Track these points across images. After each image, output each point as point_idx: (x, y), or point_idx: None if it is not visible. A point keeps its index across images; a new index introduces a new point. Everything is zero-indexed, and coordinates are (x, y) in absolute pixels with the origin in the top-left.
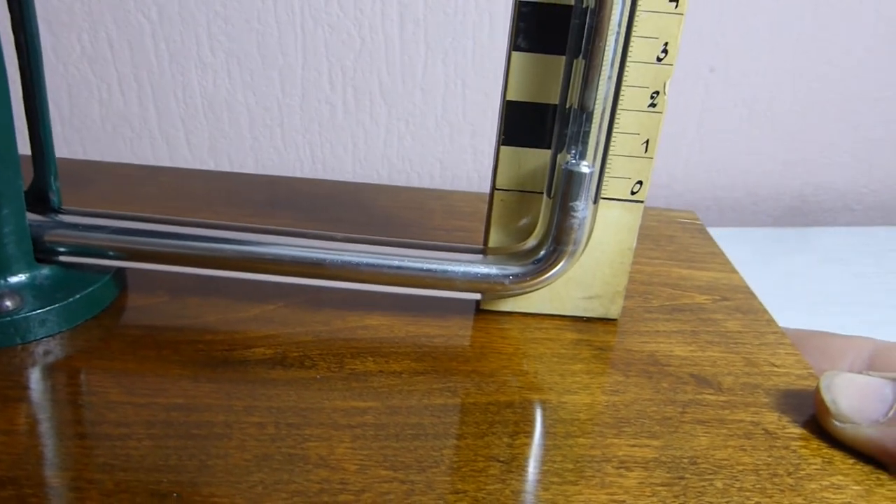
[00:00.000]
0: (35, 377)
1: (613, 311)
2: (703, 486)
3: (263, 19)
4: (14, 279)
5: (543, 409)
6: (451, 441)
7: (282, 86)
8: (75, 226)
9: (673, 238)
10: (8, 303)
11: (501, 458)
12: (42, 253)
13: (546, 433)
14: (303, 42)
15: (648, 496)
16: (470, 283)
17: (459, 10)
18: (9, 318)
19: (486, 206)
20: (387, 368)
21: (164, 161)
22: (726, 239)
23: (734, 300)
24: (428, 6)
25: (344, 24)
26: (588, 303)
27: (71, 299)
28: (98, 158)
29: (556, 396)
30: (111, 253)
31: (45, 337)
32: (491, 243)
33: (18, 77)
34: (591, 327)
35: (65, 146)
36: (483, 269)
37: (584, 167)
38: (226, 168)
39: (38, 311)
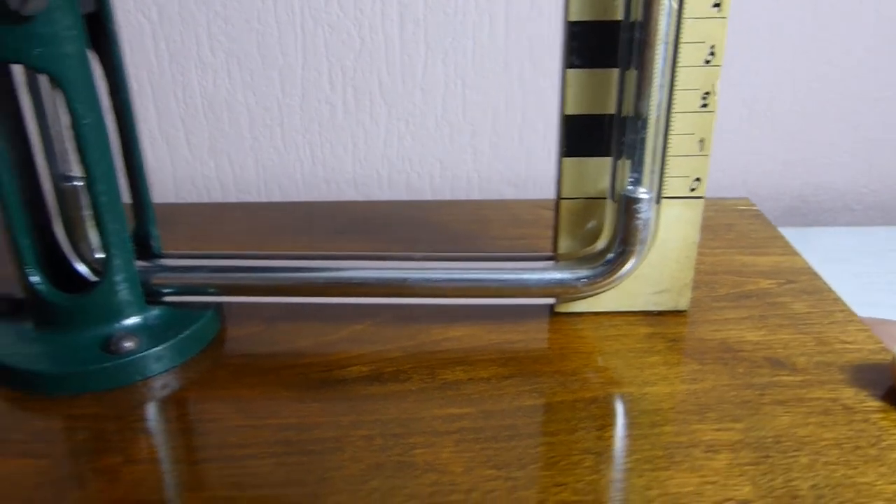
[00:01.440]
0: (158, 409)
1: (682, 303)
2: (789, 463)
3: (263, 19)
4: (129, 322)
5: (627, 402)
6: (545, 438)
7: (282, 86)
8: (178, 268)
9: (732, 226)
10: (128, 344)
11: (594, 451)
12: (150, 296)
13: (632, 424)
14: (303, 42)
15: (738, 476)
16: (545, 289)
17: (459, 10)
18: (130, 358)
19: (542, 213)
20: (476, 376)
21: (165, 161)
22: None
23: (798, 282)
24: (428, 6)
25: (344, 24)
26: (658, 297)
27: (181, 336)
28: None
29: (637, 389)
30: (211, 290)
31: (161, 373)
32: (560, 249)
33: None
34: (661, 320)
35: None
36: (557, 275)
37: (643, 193)
38: (226, 168)
39: (154, 349)
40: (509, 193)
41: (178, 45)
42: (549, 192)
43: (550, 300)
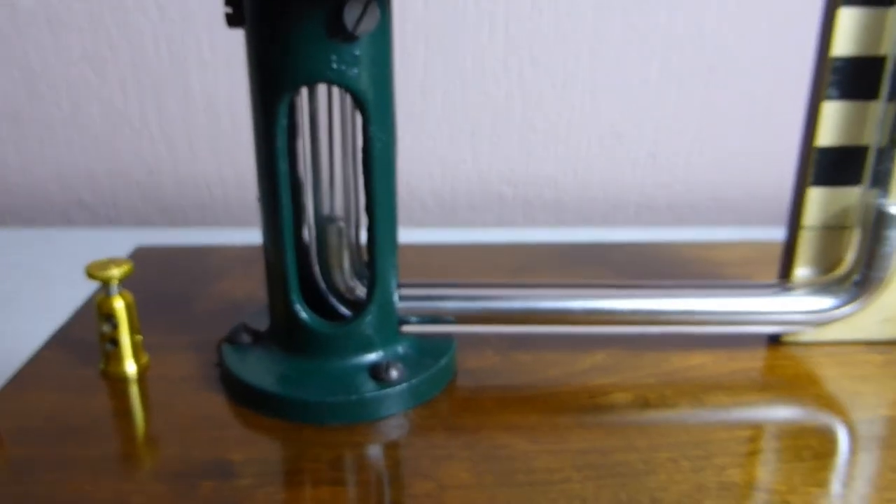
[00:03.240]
0: (442, 437)
1: None
2: None
3: None
4: (386, 351)
5: None
6: (846, 457)
7: None
8: (423, 297)
9: None
10: (394, 372)
11: None
12: (399, 325)
13: None
14: None
15: None
16: (793, 317)
17: (459, 10)
18: (399, 387)
19: (703, 253)
20: (740, 400)
21: (165, 161)
22: (724, 237)
23: None
24: (428, 6)
25: None
26: (883, 326)
27: (439, 365)
28: (98, 158)
29: None
30: (451, 319)
31: (425, 401)
32: (795, 278)
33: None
34: (891, 349)
35: (65, 146)
36: (805, 303)
37: (892, 223)
38: (226, 168)
39: (418, 378)
40: (509, 193)
41: (178, 45)
42: (549, 193)
43: (778, 329)
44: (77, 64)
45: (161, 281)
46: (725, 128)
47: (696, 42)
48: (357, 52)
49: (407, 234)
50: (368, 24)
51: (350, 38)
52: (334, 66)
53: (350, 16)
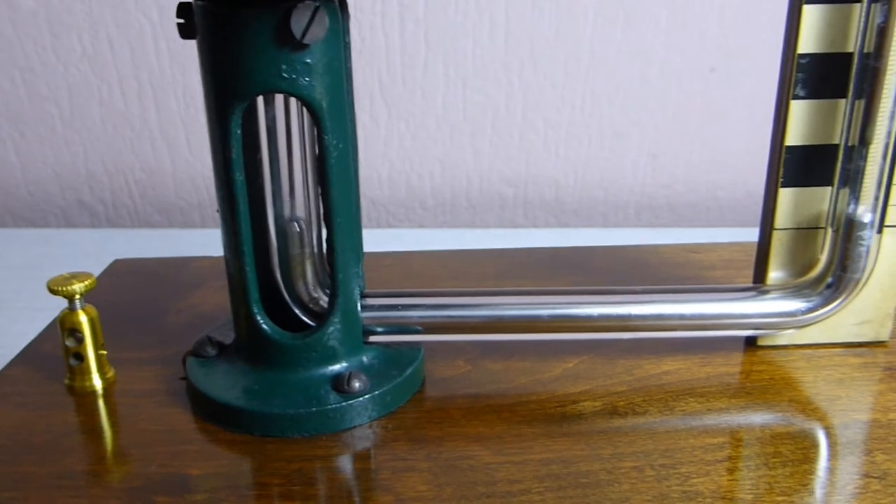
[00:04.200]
0: (405, 448)
1: (883, 334)
2: None
3: None
4: (350, 362)
5: (878, 427)
6: (817, 464)
7: None
8: (388, 307)
9: None
10: (357, 384)
11: (874, 475)
12: (364, 336)
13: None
14: None
15: None
16: (766, 320)
17: (459, 10)
18: (363, 398)
19: (691, 256)
20: (712, 406)
21: (165, 161)
22: (725, 238)
23: None
24: (428, 6)
25: None
26: (859, 328)
27: (405, 375)
28: (99, 158)
29: (882, 415)
30: (419, 328)
31: (390, 412)
32: (769, 281)
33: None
34: (867, 351)
35: (65, 146)
36: (778, 305)
37: (865, 214)
38: None
39: (383, 388)
40: (509, 193)
41: (178, 45)
42: (550, 192)
43: (752, 333)
44: (77, 64)
45: (133, 294)
46: (725, 128)
47: (696, 42)
48: (308, 61)
49: (407, 234)
50: (317, 32)
51: (299, 46)
52: (285, 75)
53: (297, 24)
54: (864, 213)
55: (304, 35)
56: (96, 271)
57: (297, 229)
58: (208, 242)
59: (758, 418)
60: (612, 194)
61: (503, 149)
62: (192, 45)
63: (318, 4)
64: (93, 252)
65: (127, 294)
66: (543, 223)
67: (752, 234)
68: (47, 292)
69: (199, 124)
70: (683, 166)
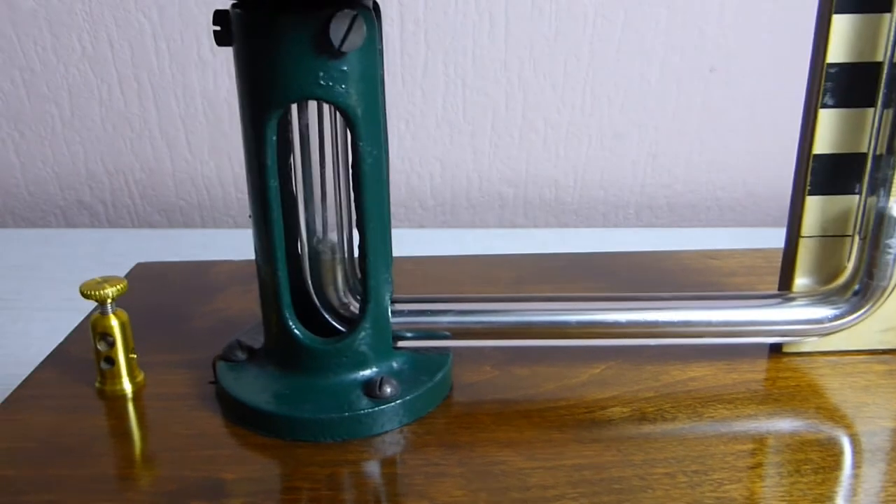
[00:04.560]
0: (436, 454)
1: None
2: None
3: None
4: (381, 367)
5: None
6: (848, 471)
7: None
8: (417, 312)
9: None
10: (389, 389)
11: None
12: (394, 341)
13: None
14: None
15: None
16: (792, 327)
17: (459, 10)
18: (393, 403)
19: (709, 262)
20: (741, 413)
21: (165, 161)
22: (726, 238)
23: None
24: (428, 6)
25: None
26: (884, 335)
27: (435, 380)
28: (99, 158)
29: None
30: (447, 334)
31: (420, 418)
32: (796, 288)
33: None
34: (893, 359)
35: (65, 146)
36: (805, 313)
37: (893, 222)
38: (226, 168)
39: (413, 394)
40: (509, 193)
41: (178, 45)
42: (550, 192)
43: (778, 340)
44: (77, 64)
45: (158, 297)
46: (725, 128)
47: (696, 42)
48: (345, 68)
49: (407, 235)
50: (355, 40)
51: (337, 54)
52: (322, 82)
53: (336, 32)
54: (893, 221)
55: (342, 43)
56: (98, 272)
57: (328, 229)
58: (208, 243)
59: (786, 425)
60: (612, 194)
61: (503, 149)
62: (192, 44)
63: (356, 13)
64: (93, 252)
65: (152, 298)
66: (543, 223)
67: (752, 234)
68: (52, 290)
69: (198, 124)
70: (683, 166)
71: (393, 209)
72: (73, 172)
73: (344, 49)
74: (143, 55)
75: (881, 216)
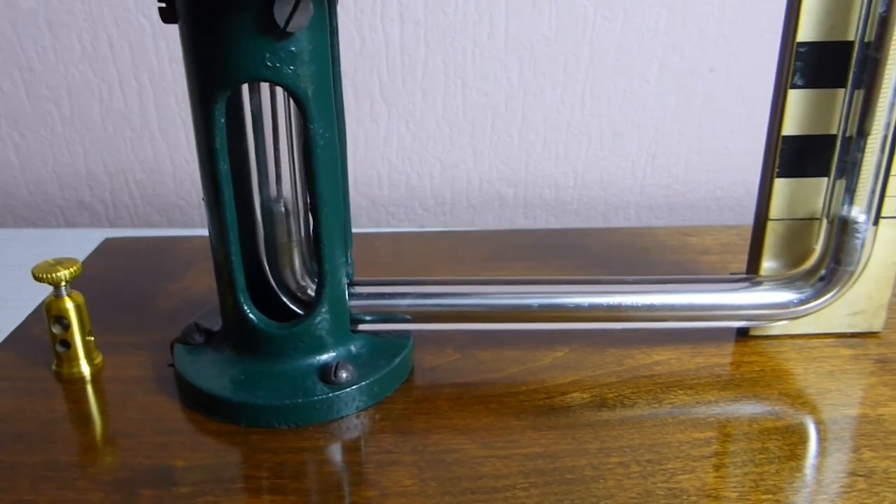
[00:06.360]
0: (392, 441)
1: (877, 325)
2: None
3: None
4: (338, 352)
5: (867, 422)
6: (804, 461)
7: None
8: (376, 295)
9: None
10: (345, 374)
11: (860, 473)
12: (352, 324)
13: (885, 444)
14: None
15: None
16: (757, 311)
17: (459, 10)
18: (350, 389)
19: (686, 240)
20: (701, 399)
21: (164, 161)
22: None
23: None
24: (428, 6)
25: (344, 24)
26: (852, 319)
27: (393, 365)
28: (99, 158)
29: (871, 409)
30: (407, 317)
31: (376, 403)
32: (763, 271)
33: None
34: (860, 342)
35: (65, 146)
36: (770, 297)
37: (862, 213)
38: None
39: (370, 378)
40: (509, 193)
41: (178, 45)
42: (549, 193)
43: (744, 324)
44: (77, 64)
45: (125, 275)
46: (725, 128)
47: (696, 42)
48: (292, 49)
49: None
50: (301, 20)
51: (283, 34)
52: (269, 63)
53: (281, 11)
54: (861, 204)
55: (287, 23)
56: None
57: (283, 211)
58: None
59: (746, 411)
60: (612, 194)
61: (503, 149)
62: None
63: None
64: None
65: (117, 275)
66: (543, 223)
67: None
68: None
69: None
70: (683, 166)
71: (393, 209)
72: (73, 172)
73: (290, 29)
74: (143, 55)
75: (850, 199)
